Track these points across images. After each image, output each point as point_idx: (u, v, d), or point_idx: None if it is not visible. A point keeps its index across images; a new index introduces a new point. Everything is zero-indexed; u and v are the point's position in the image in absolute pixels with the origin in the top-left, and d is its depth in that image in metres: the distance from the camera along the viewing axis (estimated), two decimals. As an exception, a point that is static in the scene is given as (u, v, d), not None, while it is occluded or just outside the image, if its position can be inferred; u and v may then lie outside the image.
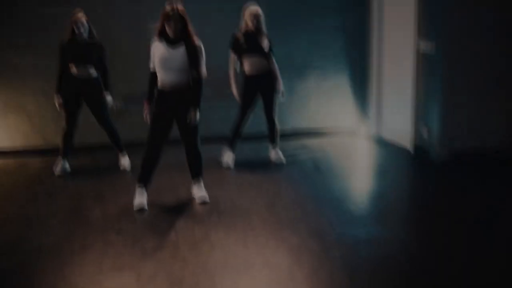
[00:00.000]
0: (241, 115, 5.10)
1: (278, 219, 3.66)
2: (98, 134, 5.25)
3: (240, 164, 5.20)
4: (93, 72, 4.90)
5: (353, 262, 2.97)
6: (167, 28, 3.70)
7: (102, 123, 5.03)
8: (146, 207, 3.92)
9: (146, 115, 3.92)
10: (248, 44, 4.94)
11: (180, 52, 3.75)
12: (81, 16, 4.77)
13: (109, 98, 5.00)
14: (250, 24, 4.92)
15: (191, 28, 3.77)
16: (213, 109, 6.03)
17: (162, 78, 3.83)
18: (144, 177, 3.97)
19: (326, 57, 6.43)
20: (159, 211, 3.89)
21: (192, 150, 4.02)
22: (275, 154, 5.32)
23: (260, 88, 5.09)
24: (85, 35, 4.81)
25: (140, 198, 3.94)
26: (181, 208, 3.96)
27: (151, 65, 3.90)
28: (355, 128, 6.62)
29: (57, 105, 4.89)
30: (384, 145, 6.04)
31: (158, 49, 3.79)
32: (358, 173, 4.93)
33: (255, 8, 4.95)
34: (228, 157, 5.19)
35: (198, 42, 3.81)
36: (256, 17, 4.90)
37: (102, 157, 5.59)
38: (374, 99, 6.39)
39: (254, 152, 5.70)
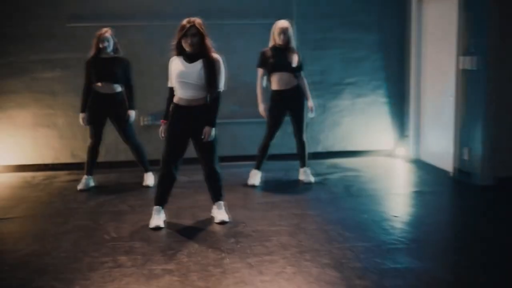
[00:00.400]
0: (268, 133, 4.90)
1: (299, 244, 3.40)
2: (124, 150, 5.16)
3: (267, 184, 4.98)
4: (117, 87, 4.83)
5: (376, 295, 2.68)
6: (183, 43, 3.56)
7: (126, 139, 4.94)
8: (162, 226, 3.75)
9: (162, 132, 3.77)
10: (275, 59, 4.75)
11: (197, 67, 3.59)
12: (106, 31, 4.73)
13: (132, 114, 4.89)
14: (277, 39, 4.73)
15: (208, 42, 3.60)
16: (241, 127, 5.87)
17: (179, 93, 3.68)
18: (160, 196, 3.80)
19: (362, 74, 6.16)
20: (175, 232, 3.71)
21: (209, 170, 3.81)
22: (304, 174, 5.08)
23: (288, 106, 4.87)
24: (110, 50, 4.76)
25: (157, 218, 3.78)
26: (198, 230, 3.76)
27: (169, 82, 3.77)
28: (392, 148, 6.28)
29: (80, 120, 4.83)
30: (422, 167, 5.67)
31: (175, 64, 3.66)
32: (392, 197, 4.59)
33: (283, 22, 4.75)
34: (254, 176, 4.99)
35: (216, 56, 3.65)
36: (283, 31, 4.70)
37: (128, 174, 5.48)
38: (413, 118, 6.05)
39: (283, 172, 5.48)
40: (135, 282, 2.86)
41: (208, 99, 3.70)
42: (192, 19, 3.55)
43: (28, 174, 5.62)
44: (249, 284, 2.83)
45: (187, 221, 3.94)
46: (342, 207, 4.26)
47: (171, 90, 3.76)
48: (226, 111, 5.87)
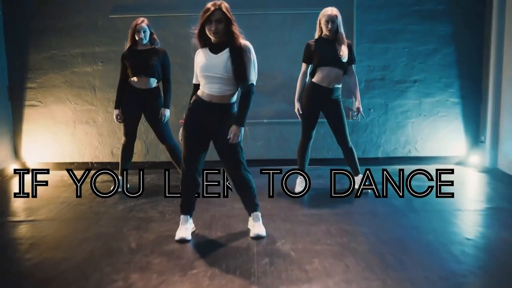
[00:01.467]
0: (303, 133, 4.33)
1: (345, 270, 2.80)
2: (165, 150, 4.76)
3: (316, 193, 4.40)
4: (153, 82, 4.43)
5: None
6: (207, 30, 3.03)
7: (162, 139, 4.53)
8: (188, 239, 3.27)
9: (181, 135, 3.27)
10: (322, 52, 4.15)
11: (223, 57, 3.04)
12: (142, 21, 4.33)
13: (167, 113, 4.48)
14: (324, 28, 4.13)
15: (236, 29, 3.05)
16: (290, 128, 5.31)
17: (202, 88, 3.16)
18: (185, 204, 3.33)
19: (430, 70, 5.43)
20: (202, 247, 3.21)
21: (237, 177, 3.25)
22: (357, 182, 4.44)
23: (325, 104, 4.26)
24: (146, 41, 4.36)
25: (183, 230, 3.31)
26: (229, 245, 3.24)
27: (194, 79, 3.27)
28: (464, 156, 5.49)
29: (114, 117, 4.49)
30: (500, 178, 4.87)
31: (199, 57, 3.14)
32: (464, 214, 3.85)
33: (331, 9, 4.12)
34: (299, 184, 4.44)
35: (244, 43, 3.08)
36: (331, 19, 4.08)
37: (163, 176, 5.08)
38: (490, 122, 5.24)
39: (335, 177, 4.85)
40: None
41: (234, 97, 3.18)
42: (218, 2, 3.02)
43: (65, 173, 5.36)
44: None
45: (219, 233, 3.43)
46: (402, 225, 3.59)
47: (195, 88, 3.25)
48: (274, 109, 5.40)
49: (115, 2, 5.33)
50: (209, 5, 3.01)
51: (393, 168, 5.24)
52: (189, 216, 3.35)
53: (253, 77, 3.11)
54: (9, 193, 4.71)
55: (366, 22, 5.32)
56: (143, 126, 5.04)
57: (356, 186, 4.46)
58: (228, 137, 3.08)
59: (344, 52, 4.11)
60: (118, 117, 4.48)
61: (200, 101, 3.15)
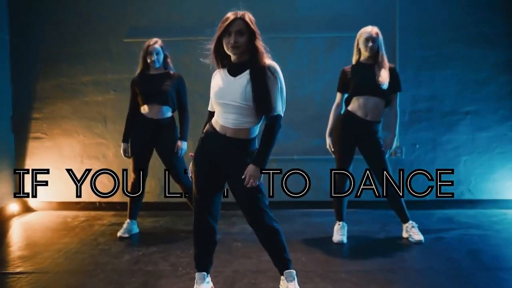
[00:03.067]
0: (339, 171, 3.72)
1: None
2: (175, 189, 4.18)
3: (358, 242, 3.74)
4: (167, 111, 3.90)
5: None
6: (225, 45, 2.46)
7: (176, 177, 3.95)
8: (205, 301, 2.62)
9: (191, 172, 2.64)
10: (358, 79, 3.59)
11: (242, 81, 2.44)
12: (155, 42, 3.84)
13: (184, 146, 3.91)
14: (363, 48, 3.58)
15: (260, 44, 2.45)
16: (325, 166, 4.68)
17: (216, 117, 2.56)
18: (199, 257, 2.69)
19: (485, 101, 4.80)
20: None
21: (260, 229, 2.58)
22: (408, 231, 3.79)
23: (360, 137, 3.67)
24: (159, 65, 3.86)
25: (199, 288, 2.66)
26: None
27: (209, 105, 2.68)
28: (528, 199, 4.76)
29: (122, 151, 3.96)
30: None
31: (215, 81, 2.56)
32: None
33: (370, 27, 3.60)
34: (339, 231, 3.78)
35: (270, 63, 2.47)
36: (371, 37, 3.54)
37: (183, 219, 4.51)
38: (558, 160, 4.52)
39: (380, 224, 4.24)
40: None
41: (254, 131, 2.55)
42: (241, 11, 2.46)
43: (70, 213, 4.83)
44: None
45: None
46: (468, 285, 2.88)
47: (210, 116, 2.66)
48: (305, 145, 4.80)
49: (130, 25, 4.90)
50: (229, 14, 2.46)
51: (445, 213, 4.55)
52: (205, 274, 2.70)
53: (280, 107, 2.47)
54: (4, 237, 4.13)
55: (410, 47, 4.76)
56: (158, 162, 4.47)
57: (405, 235, 3.78)
58: (243, 177, 2.44)
59: (384, 78, 3.52)
60: (126, 152, 3.95)
61: (213, 133, 2.54)
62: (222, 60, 2.53)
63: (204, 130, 2.60)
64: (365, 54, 3.61)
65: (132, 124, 3.93)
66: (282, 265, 2.64)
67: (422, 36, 4.77)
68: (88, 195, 4.98)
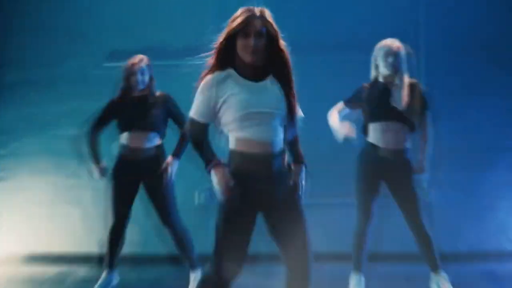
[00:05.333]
0: (360, 216, 3.64)
1: None
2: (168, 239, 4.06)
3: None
4: (155, 138, 3.82)
5: None
6: (240, 48, 2.32)
7: (165, 220, 3.83)
8: None
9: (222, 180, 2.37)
10: (378, 101, 3.54)
11: (273, 87, 2.38)
12: (140, 60, 3.77)
13: (175, 163, 3.81)
14: (382, 64, 3.53)
15: (284, 45, 2.38)
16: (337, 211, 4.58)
17: (245, 135, 2.34)
18: None
19: (528, 134, 4.80)
20: None
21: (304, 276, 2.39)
22: (437, 282, 3.62)
23: (386, 173, 3.58)
24: (143, 86, 3.79)
25: None
26: None
27: (200, 116, 2.39)
28: None
29: (96, 174, 3.90)
30: None
31: (226, 87, 2.35)
32: None
33: (389, 41, 3.56)
34: (355, 283, 3.69)
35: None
36: (393, 52, 3.49)
37: (171, 274, 4.45)
38: None
39: (403, 278, 4.19)
40: None
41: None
42: (258, 8, 2.34)
43: (38, 269, 4.68)
44: None
45: None
46: None
47: (206, 129, 2.44)
48: (317, 188, 4.68)
49: (111, 48, 4.92)
50: (243, 10, 2.33)
51: (484, 268, 4.41)
52: None
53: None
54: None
55: (437, 70, 4.79)
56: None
57: (435, 287, 3.65)
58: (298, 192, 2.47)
59: (405, 99, 3.48)
60: (103, 172, 3.89)
61: (252, 163, 2.34)
62: (225, 64, 2.38)
63: (235, 165, 2.37)
64: (384, 72, 3.54)
65: (96, 142, 3.89)
66: None
67: (451, 59, 4.82)
68: (58, 245, 4.93)
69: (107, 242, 3.89)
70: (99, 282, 3.85)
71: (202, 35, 4.52)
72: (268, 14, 2.33)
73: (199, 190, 4.81)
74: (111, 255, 3.89)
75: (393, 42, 3.54)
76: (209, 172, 2.37)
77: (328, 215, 4.69)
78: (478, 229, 4.78)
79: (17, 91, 4.98)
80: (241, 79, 2.34)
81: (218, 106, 2.34)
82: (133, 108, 3.75)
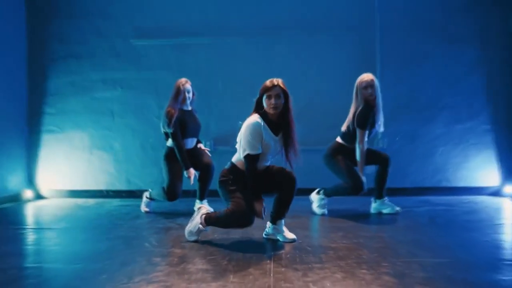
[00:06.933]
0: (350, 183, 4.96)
1: (358, 257, 3.42)
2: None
3: (338, 213, 5.06)
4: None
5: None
6: (266, 104, 3.74)
7: (209, 168, 5.18)
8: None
9: (261, 212, 3.79)
10: (374, 122, 4.93)
11: (279, 142, 3.83)
12: (186, 82, 5.08)
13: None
14: (365, 93, 4.83)
15: (291, 104, 3.79)
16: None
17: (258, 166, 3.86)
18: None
19: (460, 95, 6.19)
20: (222, 244, 3.89)
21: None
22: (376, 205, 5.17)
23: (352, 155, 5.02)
24: (189, 101, 5.12)
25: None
26: (246, 242, 3.92)
27: (254, 149, 3.73)
28: (498, 186, 6.08)
29: (192, 176, 5.05)
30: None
31: (267, 136, 3.76)
32: (489, 226, 4.42)
33: (367, 75, 4.87)
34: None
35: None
36: (370, 84, 4.80)
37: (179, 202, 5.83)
38: (524, 149, 5.87)
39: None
40: (165, 276, 3.05)
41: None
42: (276, 79, 3.76)
43: (80, 200, 6.14)
44: (288, 282, 2.91)
45: (237, 236, 4.11)
46: (422, 231, 4.21)
47: (258, 157, 3.79)
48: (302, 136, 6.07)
49: (137, 28, 6.30)
50: (269, 81, 3.76)
51: (422, 198, 5.88)
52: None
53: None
54: (21, 217, 5.47)
55: (391, 45, 6.13)
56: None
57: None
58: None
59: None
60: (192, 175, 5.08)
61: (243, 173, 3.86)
62: (259, 109, 3.83)
63: (234, 170, 3.87)
64: (368, 98, 4.83)
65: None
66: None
67: (401, 36, 6.16)
68: (95, 184, 6.34)
69: (159, 194, 5.16)
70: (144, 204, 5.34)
71: (212, 16, 6.02)
72: (282, 83, 3.75)
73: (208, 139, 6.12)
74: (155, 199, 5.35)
75: (368, 75, 4.83)
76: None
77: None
78: (420, 169, 6.19)
79: (63, 63, 6.35)
80: (269, 132, 3.76)
81: (259, 140, 3.74)
82: (192, 121, 5.09)
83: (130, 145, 6.33)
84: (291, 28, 6.19)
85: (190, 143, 5.14)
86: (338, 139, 5.05)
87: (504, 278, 3.00)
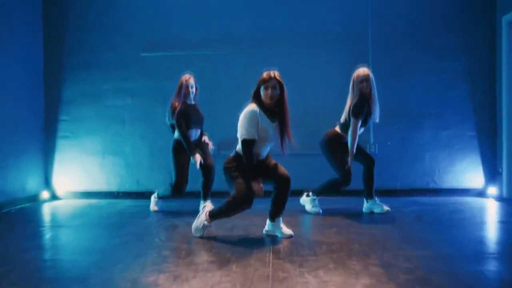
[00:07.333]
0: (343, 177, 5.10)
1: (349, 250, 3.61)
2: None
3: (330, 212, 5.24)
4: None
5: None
6: (263, 93, 3.92)
7: (210, 172, 5.34)
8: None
9: (260, 189, 3.96)
10: (368, 113, 5.04)
11: (276, 129, 4.02)
12: (190, 77, 5.27)
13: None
14: (362, 86, 4.97)
15: (286, 97, 3.98)
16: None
17: (258, 152, 4.04)
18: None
19: (446, 104, 6.34)
20: (225, 240, 4.06)
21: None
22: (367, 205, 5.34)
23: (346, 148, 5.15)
24: (192, 96, 5.30)
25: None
26: (247, 239, 4.09)
27: (250, 134, 3.90)
28: (482, 187, 6.26)
29: (199, 162, 5.19)
30: (516, 204, 5.61)
31: (263, 123, 3.93)
32: (472, 224, 4.59)
33: (363, 69, 5.03)
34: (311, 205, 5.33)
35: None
36: (366, 78, 4.96)
37: (186, 202, 6.00)
38: (506, 153, 6.04)
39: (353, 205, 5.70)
40: (174, 267, 3.24)
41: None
42: (272, 72, 3.95)
43: (92, 200, 6.33)
44: (285, 271, 3.09)
45: (239, 232, 4.29)
46: (410, 229, 4.39)
47: (254, 143, 3.93)
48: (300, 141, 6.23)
49: (147, 41, 6.50)
50: (266, 73, 3.95)
51: (411, 199, 6.06)
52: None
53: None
54: (40, 216, 5.65)
55: (382, 56, 6.31)
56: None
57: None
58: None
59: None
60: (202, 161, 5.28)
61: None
62: (258, 101, 3.99)
63: (237, 158, 4.03)
64: (365, 91, 4.97)
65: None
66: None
67: (391, 47, 6.34)
68: (107, 185, 6.53)
69: (169, 191, 5.29)
70: (153, 203, 5.53)
71: (213, 30, 6.22)
72: (278, 75, 3.95)
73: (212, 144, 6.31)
74: (167, 197, 5.50)
75: (365, 69, 4.98)
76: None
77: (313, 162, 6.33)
78: (409, 172, 6.36)
79: (76, 73, 6.54)
80: (266, 119, 3.94)
81: (259, 129, 3.93)
82: (195, 113, 5.27)
83: (140, 149, 6.52)
84: (289, 40, 6.38)
85: (194, 134, 5.28)
86: (337, 128, 5.17)
87: (485, 269, 3.18)
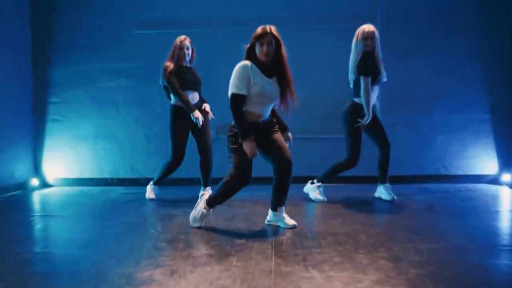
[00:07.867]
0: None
1: (356, 242, 3.59)
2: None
3: (337, 199, 5.24)
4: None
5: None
6: (258, 49, 3.80)
7: (205, 149, 5.29)
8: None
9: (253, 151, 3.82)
10: (378, 69, 4.97)
11: (275, 84, 3.88)
12: (185, 39, 5.18)
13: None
14: (365, 44, 4.94)
15: (284, 52, 3.85)
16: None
17: (257, 110, 3.91)
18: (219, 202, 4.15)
19: (457, 86, 6.30)
20: (226, 231, 4.05)
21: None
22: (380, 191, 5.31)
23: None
24: (188, 58, 5.22)
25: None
26: (249, 230, 4.08)
27: (240, 90, 3.77)
28: (496, 174, 6.24)
29: (200, 119, 5.10)
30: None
31: (258, 78, 3.80)
32: (484, 212, 4.58)
33: (368, 26, 5.00)
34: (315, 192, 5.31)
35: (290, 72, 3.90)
36: (371, 35, 4.93)
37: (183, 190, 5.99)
38: (521, 138, 6.01)
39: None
40: (171, 260, 3.22)
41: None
42: (268, 26, 3.81)
43: (85, 188, 6.31)
44: (288, 266, 3.08)
45: (239, 222, 4.28)
46: (419, 218, 4.37)
47: (244, 99, 3.81)
48: (303, 125, 6.23)
49: (140, 19, 6.42)
50: (260, 28, 3.80)
51: (421, 186, 6.04)
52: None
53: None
54: (30, 204, 5.64)
55: (390, 37, 6.15)
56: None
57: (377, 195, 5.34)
58: (288, 141, 4.14)
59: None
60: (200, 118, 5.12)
61: (256, 124, 3.90)
62: (252, 58, 3.88)
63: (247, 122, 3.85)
64: (366, 49, 4.93)
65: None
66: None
67: (400, 27, 6.26)
68: (100, 172, 6.51)
69: (164, 172, 5.31)
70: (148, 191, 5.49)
71: (213, 8, 6.14)
72: (275, 30, 3.80)
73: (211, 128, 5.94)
74: (164, 177, 5.42)
75: (370, 27, 4.94)
76: (242, 141, 3.77)
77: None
78: (419, 158, 6.33)
79: (68, 53, 6.46)
80: (259, 74, 3.80)
81: (250, 85, 3.80)
82: (191, 75, 5.18)
83: (134, 134, 6.48)
84: (292, 19, 6.30)
85: (191, 98, 5.15)
86: (354, 99, 5.07)
87: (498, 262, 3.16)
